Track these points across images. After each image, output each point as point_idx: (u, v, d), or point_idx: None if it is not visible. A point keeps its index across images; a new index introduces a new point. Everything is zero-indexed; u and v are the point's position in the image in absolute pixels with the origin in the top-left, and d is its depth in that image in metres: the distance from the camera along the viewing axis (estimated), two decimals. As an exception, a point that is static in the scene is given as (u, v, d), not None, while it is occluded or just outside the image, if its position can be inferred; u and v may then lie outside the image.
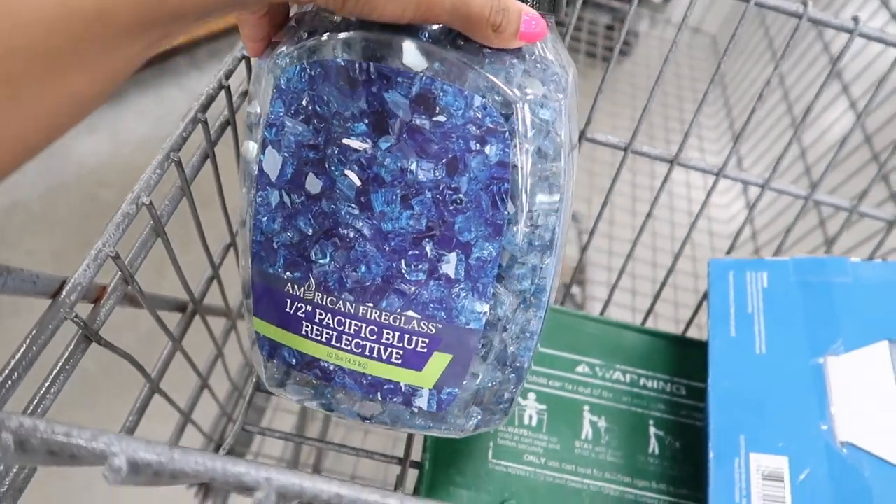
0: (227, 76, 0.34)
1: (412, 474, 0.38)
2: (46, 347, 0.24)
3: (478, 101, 0.25)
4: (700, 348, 0.45)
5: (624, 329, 0.45)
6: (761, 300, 0.40)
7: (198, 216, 0.34)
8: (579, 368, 0.42)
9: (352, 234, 0.28)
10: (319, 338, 0.29)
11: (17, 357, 0.22)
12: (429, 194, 0.27)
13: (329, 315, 0.29)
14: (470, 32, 0.25)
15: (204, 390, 0.47)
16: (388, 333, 0.28)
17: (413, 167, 0.26)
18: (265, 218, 0.29)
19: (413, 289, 0.28)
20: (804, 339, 0.38)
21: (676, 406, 0.42)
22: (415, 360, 0.29)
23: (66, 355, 0.25)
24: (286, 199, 0.28)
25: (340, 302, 0.28)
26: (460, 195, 0.26)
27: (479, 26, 0.24)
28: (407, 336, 0.28)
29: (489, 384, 0.30)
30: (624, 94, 1.02)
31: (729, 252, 0.47)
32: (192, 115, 0.31)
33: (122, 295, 0.28)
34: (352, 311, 0.28)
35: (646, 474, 0.39)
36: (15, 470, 0.23)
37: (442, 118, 0.26)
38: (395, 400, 0.30)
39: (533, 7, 0.26)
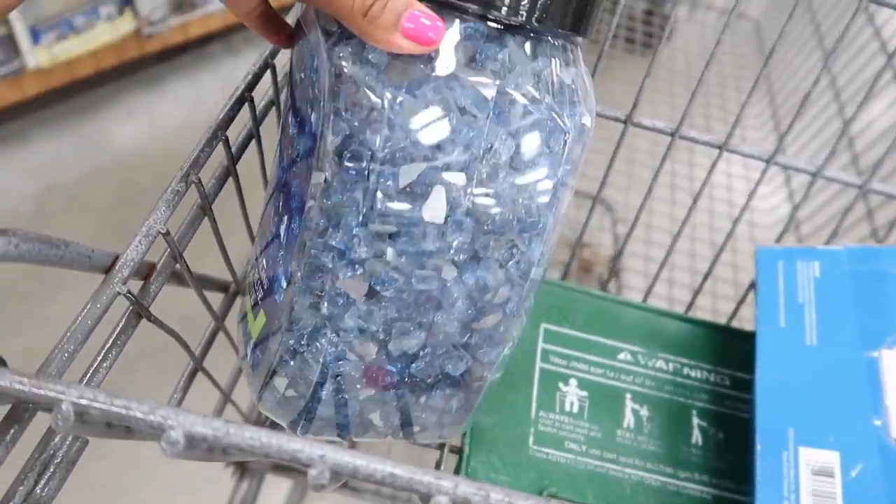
0: (273, 55, 0.34)
1: (450, 459, 0.38)
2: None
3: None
4: (744, 339, 0.44)
5: (666, 317, 0.44)
6: (813, 290, 0.39)
7: (242, 195, 0.34)
8: (621, 356, 0.41)
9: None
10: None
11: (72, 330, 0.22)
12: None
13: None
14: (340, 19, 0.21)
15: (242, 372, 0.48)
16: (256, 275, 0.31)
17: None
18: None
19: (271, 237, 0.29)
20: (857, 331, 0.37)
21: (720, 396, 0.41)
22: (255, 305, 0.31)
23: (118, 330, 0.25)
24: None
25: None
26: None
27: (343, 10, 0.21)
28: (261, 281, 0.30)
29: (279, 370, 0.28)
30: (663, 81, 1.00)
31: (778, 241, 0.46)
32: (239, 94, 0.31)
33: (171, 272, 0.29)
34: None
35: (688, 465, 0.38)
36: (68, 442, 0.23)
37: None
38: (246, 345, 0.32)
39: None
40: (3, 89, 1.32)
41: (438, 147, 0.22)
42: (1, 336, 1.14)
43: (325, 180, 0.23)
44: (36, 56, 1.32)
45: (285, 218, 0.26)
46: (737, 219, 0.44)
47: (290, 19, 0.31)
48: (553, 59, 0.23)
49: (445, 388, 0.29)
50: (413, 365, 0.28)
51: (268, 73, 0.34)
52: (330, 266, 0.24)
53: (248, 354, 0.31)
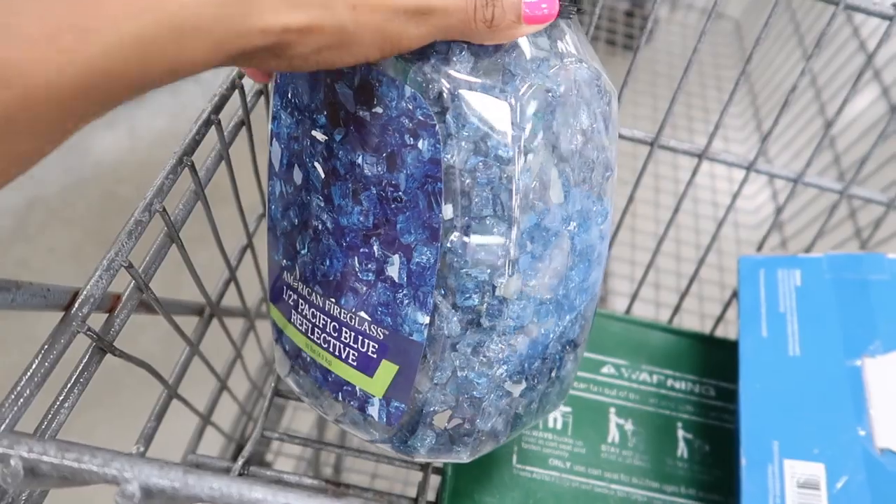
0: (241, 76, 0.33)
1: (434, 480, 0.37)
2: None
3: (408, 91, 0.23)
4: (729, 348, 0.43)
5: (649, 328, 0.43)
6: (794, 299, 0.39)
7: (213, 220, 0.33)
8: (604, 369, 0.41)
9: (320, 227, 0.27)
10: (300, 327, 0.29)
11: (28, 374, 0.22)
12: (373, 190, 0.25)
13: (307, 306, 0.29)
14: (466, 38, 0.23)
15: (223, 392, 0.47)
16: (346, 332, 0.28)
17: (360, 161, 0.25)
18: (273, 206, 0.30)
19: (364, 289, 0.27)
20: (840, 340, 0.37)
21: (705, 408, 0.41)
22: (367, 365, 0.27)
23: (80, 368, 0.25)
24: (283, 189, 0.29)
25: (314, 294, 0.28)
26: (400, 193, 0.25)
27: (467, 30, 0.22)
28: (360, 338, 0.27)
29: (438, 408, 0.27)
30: (643, 83, 1.00)
31: (759, 248, 0.46)
32: (206, 117, 0.30)
33: (137, 303, 0.28)
34: (320, 304, 0.28)
35: (674, 479, 0.38)
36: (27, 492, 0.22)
37: (379, 109, 0.24)
38: (352, 404, 0.29)
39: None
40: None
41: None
42: (-17, 354, 1.13)
43: (461, 198, 0.24)
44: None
45: (395, 258, 0.25)
46: (720, 223, 0.44)
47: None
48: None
49: (571, 354, 0.30)
50: (550, 343, 0.28)
51: (235, 94, 0.33)
52: (485, 278, 0.24)
53: (377, 415, 0.28)
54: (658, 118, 0.97)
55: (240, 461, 0.35)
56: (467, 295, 0.25)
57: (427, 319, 0.25)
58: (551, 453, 0.37)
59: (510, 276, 0.25)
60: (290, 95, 0.27)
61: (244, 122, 0.34)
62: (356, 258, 0.26)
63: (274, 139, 0.28)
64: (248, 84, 0.34)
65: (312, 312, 0.28)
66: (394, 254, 0.25)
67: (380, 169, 0.25)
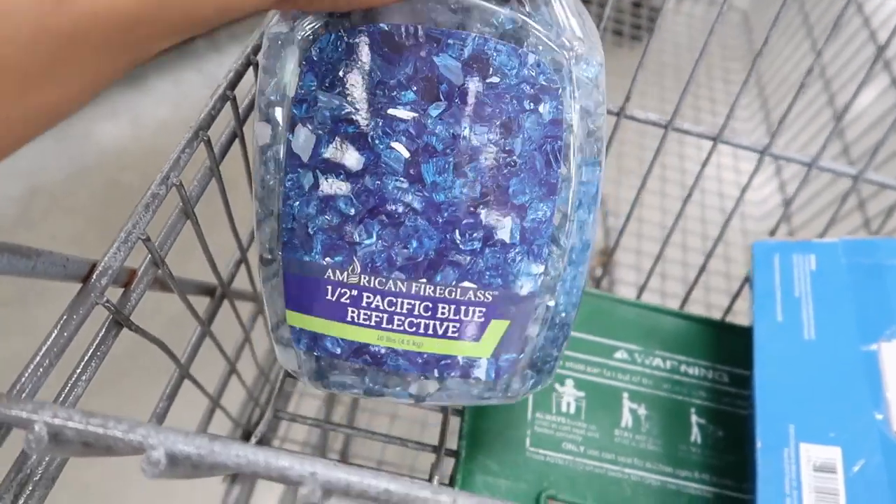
0: (255, 52, 0.33)
1: (447, 462, 0.37)
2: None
3: (532, 58, 0.25)
4: (742, 334, 0.43)
5: (662, 314, 0.43)
6: (809, 284, 0.39)
7: (226, 197, 0.33)
8: (617, 354, 0.41)
9: (400, 210, 0.26)
10: (368, 322, 0.28)
11: (47, 344, 0.21)
12: (482, 159, 0.26)
13: (378, 297, 0.27)
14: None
15: (232, 375, 0.46)
16: (443, 308, 0.27)
17: (466, 132, 0.26)
18: (297, 203, 0.27)
19: (468, 258, 0.27)
20: (855, 325, 0.37)
21: (718, 394, 0.41)
22: (472, 331, 0.28)
23: (97, 341, 0.24)
24: (322, 179, 0.26)
25: (390, 282, 0.27)
26: (514, 157, 0.26)
27: None
28: (463, 308, 0.27)
29: (542, 344, 0.29)
30: (651, 73, 0.99)
31: (772, 233, 0.45)
32: (221, 93, 0.30)
33: (152, 279, 0.27)
34: (403, 289, 0.27)
35: (688, 464, 0.37)
36: (47, 459, 0.22)
37: (496, 79, 0.25)
38: (452, 374, 0.29)
39: None
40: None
41: None
42: (-15, 341, 1.12)
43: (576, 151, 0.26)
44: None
45: (507, 220, 0.27)
46: (730, 214, 0.44)
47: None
48: None
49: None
50: None
51: (250, 71, 0.32)
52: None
53: (484, 375, 0.29)
54: (666, 108, 0.97)
55: (253, 440, 0.35)
56: (570, 236, 0.27)
57: (541, 269, 0.27)
58: (565, 437, 0.37)
59: (596, 209, 0.28)
60: (342, 73, 0.25)
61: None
62: (456, 231, 0.27)
63: (300, 125, 0.26)
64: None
65: (388, 301, 0.27)
66: (505, 217, 0.26)
67: (491, 137, 0.26)
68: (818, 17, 0.82)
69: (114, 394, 0.97)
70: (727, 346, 0.43)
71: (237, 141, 0.33)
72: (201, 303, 0.38)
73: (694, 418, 0.39)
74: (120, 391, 0.97)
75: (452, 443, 0.37)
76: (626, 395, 0.39)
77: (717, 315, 0.46)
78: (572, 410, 0.38)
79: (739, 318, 0.52)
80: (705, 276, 0.76)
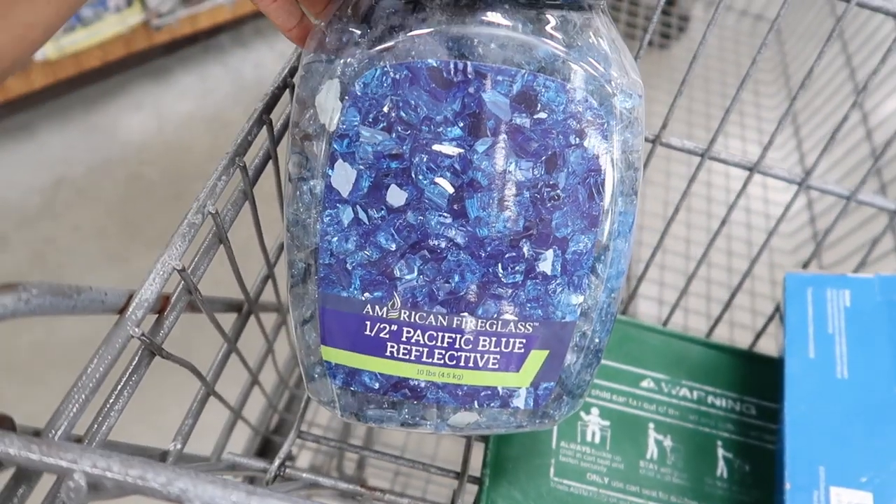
0: (292, 74, 0.32)
1: (469, 490, 0.37)
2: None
3: (579, 94, 0.25)
4: (770, 365, 0.42)
5: (690, 342, 0.43)
6: (843, 320, 0.38)
7: (258, 221, 0.33)
8: (644, 383, 0.40)
9: (443, 245, 0.26)
10: (408, 356, 0.27)
11: (83, 379, 0.21)
12: (527, 194, 0.26)
13: (418, 331, 0.27)
14: None
15: (254, 386, 0.47)
16: (484, 340, 0.27)
17: (511, 168, 0.26)
18: (336, 238, 0.27)
19: (510, 291, 0.27)
20: (890, 365, 0.36)
21: (746, 427, 0.40)
22: (512, 362, 0.28)
23: (129, 370, 0.24)
24: (362, 215, 0.26)
25: (431, 316, 0.27)
26: (558, 191, 0.26)
27: None
28: (504, 339, 0.28)
29: (578, 370, 0.30)
30: (674, 83, 0.98)
31: (805, 267, 0.45)
32: (257, 117, 0.30)
33: (185, 304, 0.27)
34: (444, 323, 0.27)
35: (713, 499, 0.37)
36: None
37: (543, 115, 0.25)
38: (492, 405, 0.29)
39: None
40: (10, 81, 1.31)
41: None
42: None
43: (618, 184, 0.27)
44: (43, 47, 1.31)
45: (549, 253, 0.27)
46: (761, 248, 0.43)
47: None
48: None
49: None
50: None
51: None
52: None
53: (523, 404, 0.29)
54: (692, 120, 0.96)
55: (276, 462, 0.35)
56: (609, 265, 0.28)
57: (581, 299, 0.28)
58: (589, 468, 0.37)
59: (631, 237, 0.28)
60: (387, 109, 0.25)
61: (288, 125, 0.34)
62: (499, 265, 0.27)
63: (340, 160, 0.26)
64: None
65: (429, 335, 0.27)
66: (547, 249, 0.27)
67: (536, 172, 0.26)
68: (853, 34, 0.81)
69: (134, 406, 0.98)
70: (755, 377, 0.42)
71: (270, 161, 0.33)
72: (228, 318, 0.38)
73: (721, 452, 0.39)
74: (142, 400, 0.98)
75: (476, 470, 0.37)
76: (651, 425, 0.39)
77: (740, 332, 0.45)
78: (597, 440, 0.38)
79: (765, 346, 0.51)
80: (730, 313, 0.74)
